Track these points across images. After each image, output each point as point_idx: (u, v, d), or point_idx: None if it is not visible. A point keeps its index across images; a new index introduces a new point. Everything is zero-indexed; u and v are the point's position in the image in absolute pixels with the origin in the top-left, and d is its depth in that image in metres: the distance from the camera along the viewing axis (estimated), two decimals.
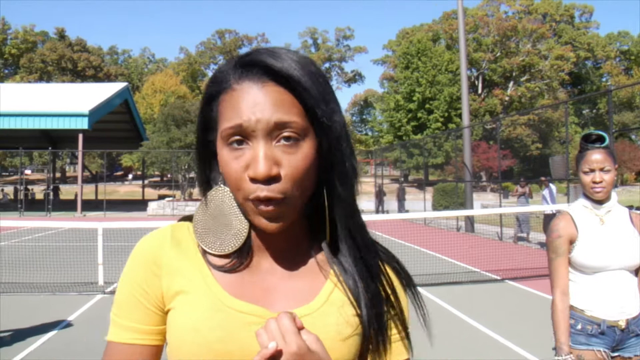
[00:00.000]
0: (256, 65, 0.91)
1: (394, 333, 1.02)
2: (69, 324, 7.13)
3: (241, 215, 0.97)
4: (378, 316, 0.98)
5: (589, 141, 2.74)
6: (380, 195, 34.41)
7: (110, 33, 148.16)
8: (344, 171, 0.95)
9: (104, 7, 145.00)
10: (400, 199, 31.45)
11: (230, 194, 0.97)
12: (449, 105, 51.17)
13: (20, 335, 6.44)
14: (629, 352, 2.66)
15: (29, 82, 65.35)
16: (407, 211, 28.18)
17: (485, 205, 26.78)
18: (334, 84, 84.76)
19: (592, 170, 2.67)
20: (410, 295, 1.06)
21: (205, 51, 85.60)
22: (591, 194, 2.71)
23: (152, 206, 32.82)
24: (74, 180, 49.42)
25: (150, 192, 49.55)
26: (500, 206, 19.50)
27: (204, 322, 0.92)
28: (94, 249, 9.73)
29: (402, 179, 41.84)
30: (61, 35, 79.57)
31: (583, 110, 56.12)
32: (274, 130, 0.87)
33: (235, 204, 0.97)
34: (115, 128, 43.31)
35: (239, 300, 0.94)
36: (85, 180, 40.68)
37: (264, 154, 0.86)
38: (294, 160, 0.88)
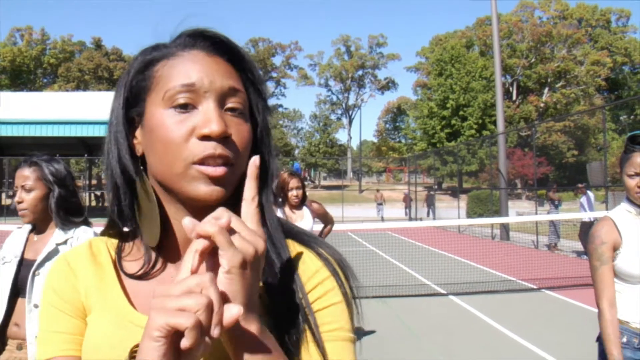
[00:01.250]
0: (205, 37, 0.89)
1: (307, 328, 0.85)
2: None
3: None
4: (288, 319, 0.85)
5: (635, 142, 2.60)
6: (407, 200, 34.24)
7: (145, 42, 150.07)
8: (265, 167, 0.90)
9: (140, 17, 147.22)
10: (430, 205, 31.24)
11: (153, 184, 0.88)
12: (482, 112, 50.76)
13: None
14: None
15: (67, 90, 66.58)
16: (420, 219, 27.97)
17: (521, 213, 26.40)
18: (367, 91, 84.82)
19: (638, 174, 2.55)
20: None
21: None
22: (635, 199, 2.59)
23: None
24: None
25: None
26: (536, 213, 19.19)
27: (105, 340, 0.85)
28: None
29: (436, 187, 41.54)
30: (98, 45, 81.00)
31: (620, 116, 55.17)
32: (226, 96, 0.84)
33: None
34: None
35: (142, 315, 0.85)
36: None
37: (217, 113, 0.82)
38: (241, 130, 0.85)
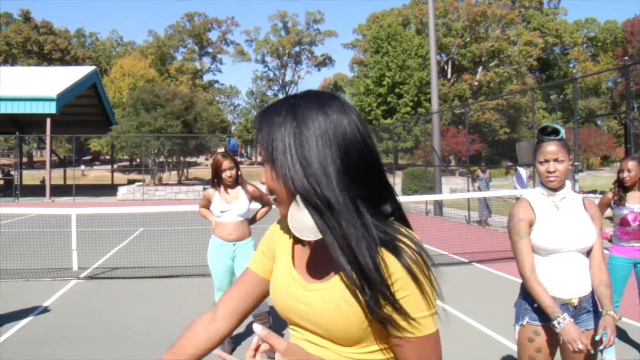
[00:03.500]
0: None
1: (389, 311, 1.16)
2: (44, 310, 7.20)
3: None
4: (374, 298, 1.16)
5: (544, 133, 2.96)
6: None
7: (77, 15, 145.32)
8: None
9: None
10: None
11: None
12: (418, 90, 51.49)
13: None
14: (581, 327, 2.87)
15: None
16: None
17: (454, 189, 27.12)
18: (303, 67, 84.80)
19: (547, 161, 2.91)
20: (411, 275, 1.17)
21: (174, 34, 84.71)
22: (546, 183, 2.95)
23: (122, 191, 32.61)
24: (40, 165, 48.81)
25: (120, 177, 49.11)
26: (468, 190, 19.80)
27: (276, 281, 1.36)
28: (66, 235, 9.73)
29: None
30: (26, 17, 77.98)
31: (551, 96, 56.79)
32: None
33: None
34: (84, 112, 42.76)
35: (294, 269, 1.32)
36: (53, 165, 40.15)
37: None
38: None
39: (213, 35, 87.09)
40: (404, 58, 52.34)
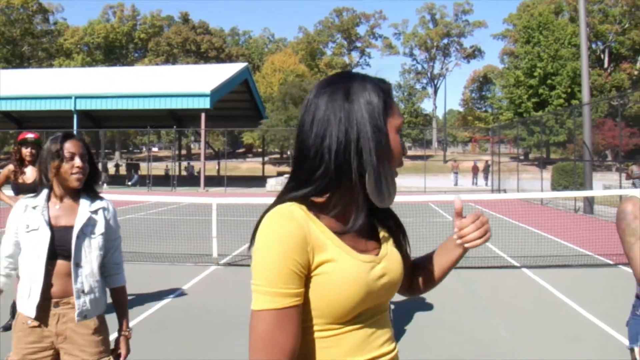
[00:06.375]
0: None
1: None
2: (184, 292, 7.69)
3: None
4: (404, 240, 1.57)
5: None
6: (475, 170, 34.26)
7: (232, 15, 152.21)
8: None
9: None
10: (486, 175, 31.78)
11: None
12: (572, 81, 48.99)
13: (140, 300, 7.02)
14: None
15: (157, 64, 68.67)
16: (504, 190, 27.50)
17: (608, 185, 25.57)
18: (452, 60, 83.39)
19: None
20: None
21: (323, 30, 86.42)
22: None
23: (271, 182, 33.78)
24: (198, 157, 51.66)
25: (270, 169, 50.96)
26: (620, 187, 18.58)
27: (355, 273, 1.30)
28: (210, 223, 10.28)
29: (522, 157, 40.63)
30: (185, 19, 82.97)
31: None
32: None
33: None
34: (237, 107, 44.73)
35: (361, 254, 1.35)
36: (208, 157, 42.33)
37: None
38: None
39: (361, 30, 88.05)
40: (557, 48, 49.99)
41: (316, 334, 1.31)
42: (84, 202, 2.76)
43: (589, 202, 19.51)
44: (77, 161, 2.68)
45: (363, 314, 1.34)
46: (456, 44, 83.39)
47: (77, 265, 2.66)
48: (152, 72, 43.79)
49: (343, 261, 1.30)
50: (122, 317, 2.91)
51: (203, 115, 34.03)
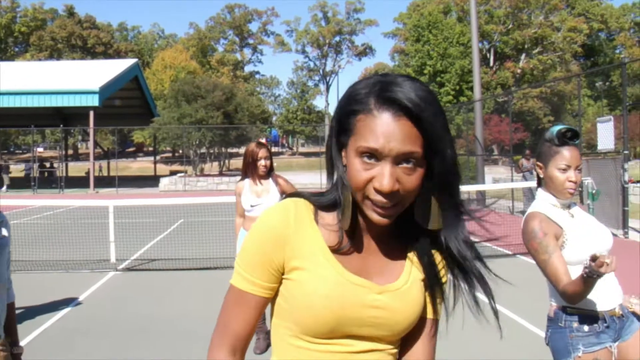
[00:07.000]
0: (395, 102, 1.12)
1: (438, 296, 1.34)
2: (81, 302, 7.20)
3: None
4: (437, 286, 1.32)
5: (567, 137, 2.59)
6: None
7: (120, 9, 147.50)
8: (452, 188, 1.23)
9: None
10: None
11: None
12: (460, 79, 50.84)
13: (33, 313, 6.51)
14: (627, 336, 2.59)
15: (40, 60, 65.45)
16: None
17: (497, 179, 26.64)
18: (344, 57, 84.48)
19: (569, 168, 2.58)
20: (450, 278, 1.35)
21: (215, 26, 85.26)
22: (562, 193, 2.62)
23: (164, 182, 32.96)
24: (86, 157, 49.64)
25: (162, 168, 49.72)
26: (512, 180, 19.38)
27: (332, 291, 1.20)
28: (106, 226, 9.77)
29: None
30: (70, 13, 79.44)
31: (596, 83, 55.47)
32: (401, 158, 1.12)
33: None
34: (126, 104, 43.35)
35: (354, 275, 1.23)
36: (97, 157, 40.78)
37: (389, 173, 1.11)
38: (410, 180, 1.14)
39: (253, 27, 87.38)
40: (445, 46, 51.71)
41: (291, 340, 1.27)
42: None
43: (482, 195, 20.20)
44: None
45: (343, 337, 1.24)
46: (348, 41, 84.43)
47: None
48: (35, 68, 41.59)
49: (319, 274, 1.23)
50: (14, 335, 2.60)
51: (92, 114, 32.64)
